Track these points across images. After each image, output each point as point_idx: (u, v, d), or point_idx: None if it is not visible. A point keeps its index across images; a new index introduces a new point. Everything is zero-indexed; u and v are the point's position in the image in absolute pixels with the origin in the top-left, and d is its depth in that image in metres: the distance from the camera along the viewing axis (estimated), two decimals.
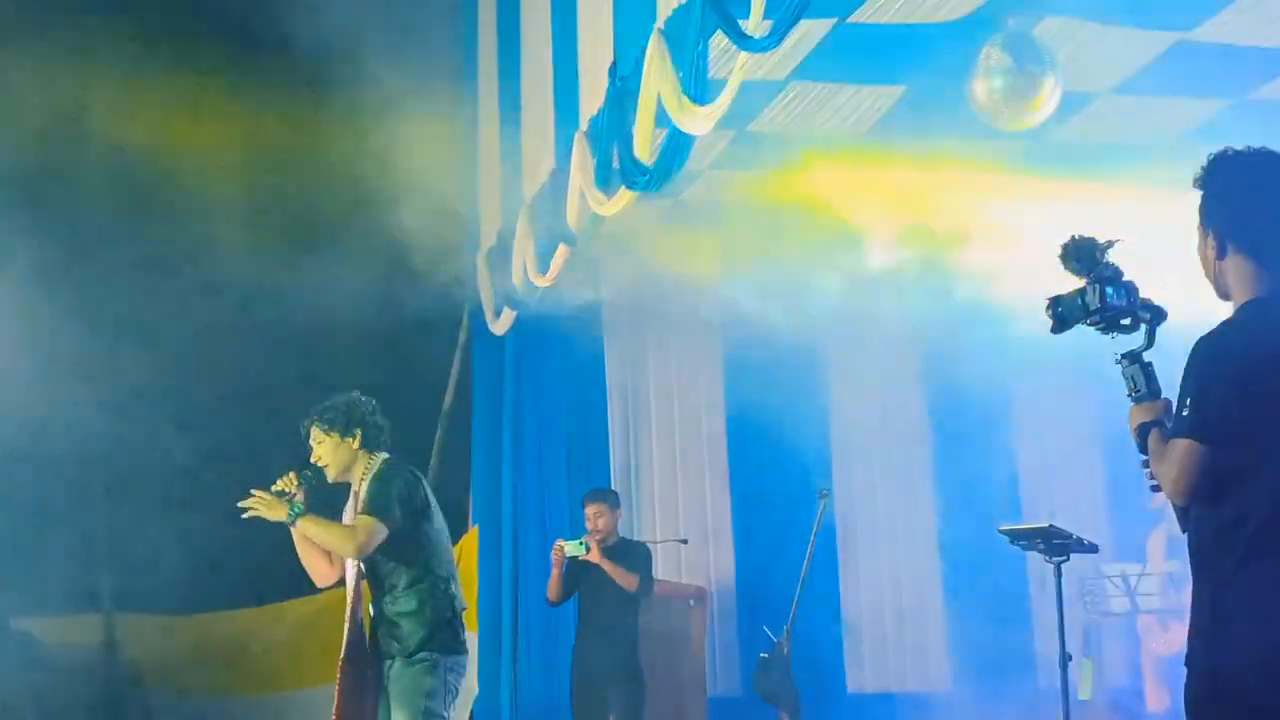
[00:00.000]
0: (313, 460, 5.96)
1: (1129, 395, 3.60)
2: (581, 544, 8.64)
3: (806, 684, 8.40)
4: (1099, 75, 7.59)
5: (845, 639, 10.80)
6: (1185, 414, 3.36)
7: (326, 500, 6.14)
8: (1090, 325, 3.64)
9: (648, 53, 6.73)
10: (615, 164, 7.31)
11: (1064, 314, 3.68)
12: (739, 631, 10.49)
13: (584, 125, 7.88)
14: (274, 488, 5.82)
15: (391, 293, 9.81)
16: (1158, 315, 3.62)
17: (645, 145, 6.93)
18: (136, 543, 10.21)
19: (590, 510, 8.87)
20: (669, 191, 8.32)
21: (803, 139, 8.47)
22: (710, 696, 9.88)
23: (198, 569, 10.33)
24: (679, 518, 10.65)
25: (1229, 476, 3.32)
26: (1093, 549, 6.16)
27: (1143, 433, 3.53)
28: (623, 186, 7.31)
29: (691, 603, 9.86)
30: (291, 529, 5.92)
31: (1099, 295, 3.57)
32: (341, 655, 5.75)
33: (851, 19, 6.78)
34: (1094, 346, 3.86)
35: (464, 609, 6.11)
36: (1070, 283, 3.64)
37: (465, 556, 9.81)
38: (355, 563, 5.84)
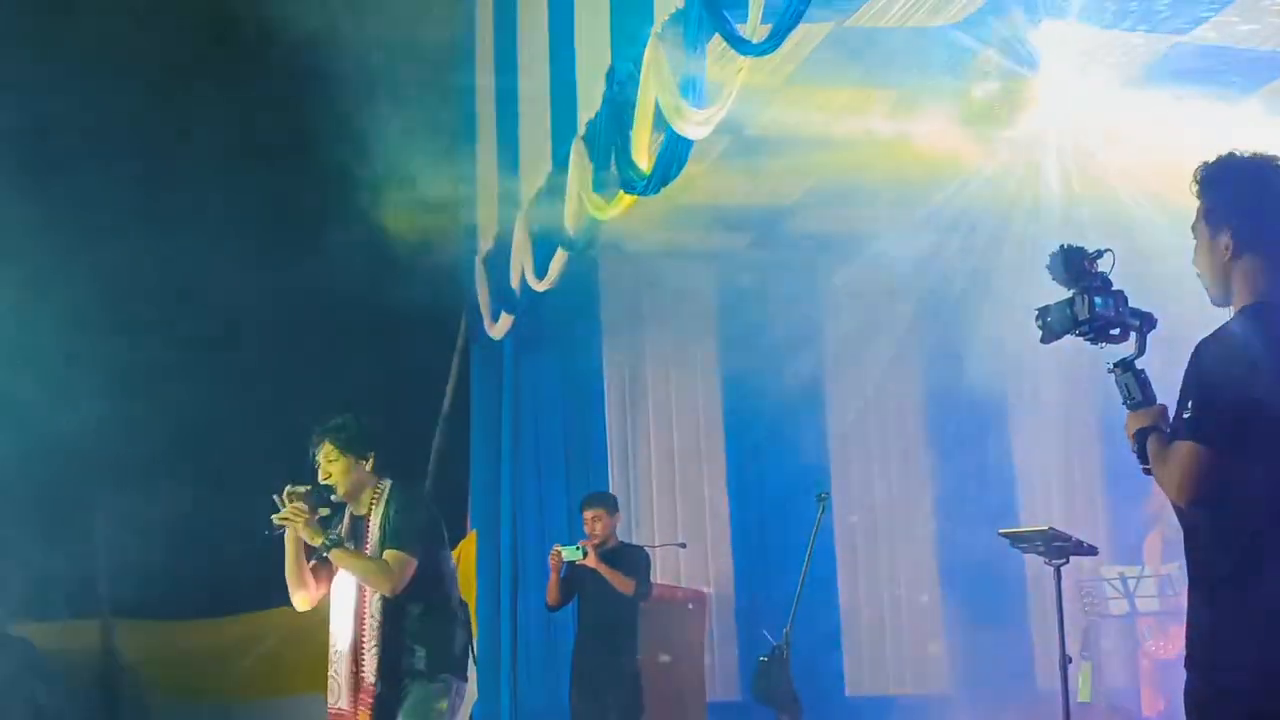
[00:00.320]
0: (321, 479, 5.87)
1: (1124, 403, 3.60)
2: (579, 549, 8.64)
3: (805, 688, 8.38)
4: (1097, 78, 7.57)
5: (844, 643, 10.81)
6: (1188, 416, 3.36)
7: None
8: (1079, 335, 3.64)
9: (645, 57, 6.73)
10: (613, 168, 7.31)
11: (1053, 324, 3.68)
12: (738, 635, 10.50)
13: (581, 130, 7.89)
14: (277, 518, 5.74)
15: (390, 297, 9.80)
16: (1147, 323, 3.61)
17: (643, 149, 6.94)
18: (134, 549, 10.21)
19: (588, 515, 8.87)
20: (667, 195, 8.30)
21: (798, 142, 8.45)
22: (709, 700, 9.89)
23: (196, 575, 10.33)
24: (677, 522, 10.66)
25: (1231, 479, 3.32)
26: (1092, 551, 6.16)
27: (1140, 438, 3.52)
28: (621, 191, 7.31)
29: (690, 607, 9.86)
30: (293, 547, 5.88)
31: (1088, 305, 3.57)
32: (374, 679, 5.70)
33: (848, 23, 6.76)
34: (1091, 349, 3.86)
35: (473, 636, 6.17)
36: (1059, 292, 3.64)
37: (464, 560, 9.82)
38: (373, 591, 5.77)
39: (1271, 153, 3.55)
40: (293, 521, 5.73)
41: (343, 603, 5.85)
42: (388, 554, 5.72)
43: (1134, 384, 3.58)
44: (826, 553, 10.19)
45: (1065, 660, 5.92)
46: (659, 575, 9.53)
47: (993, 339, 11.05)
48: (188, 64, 10.21)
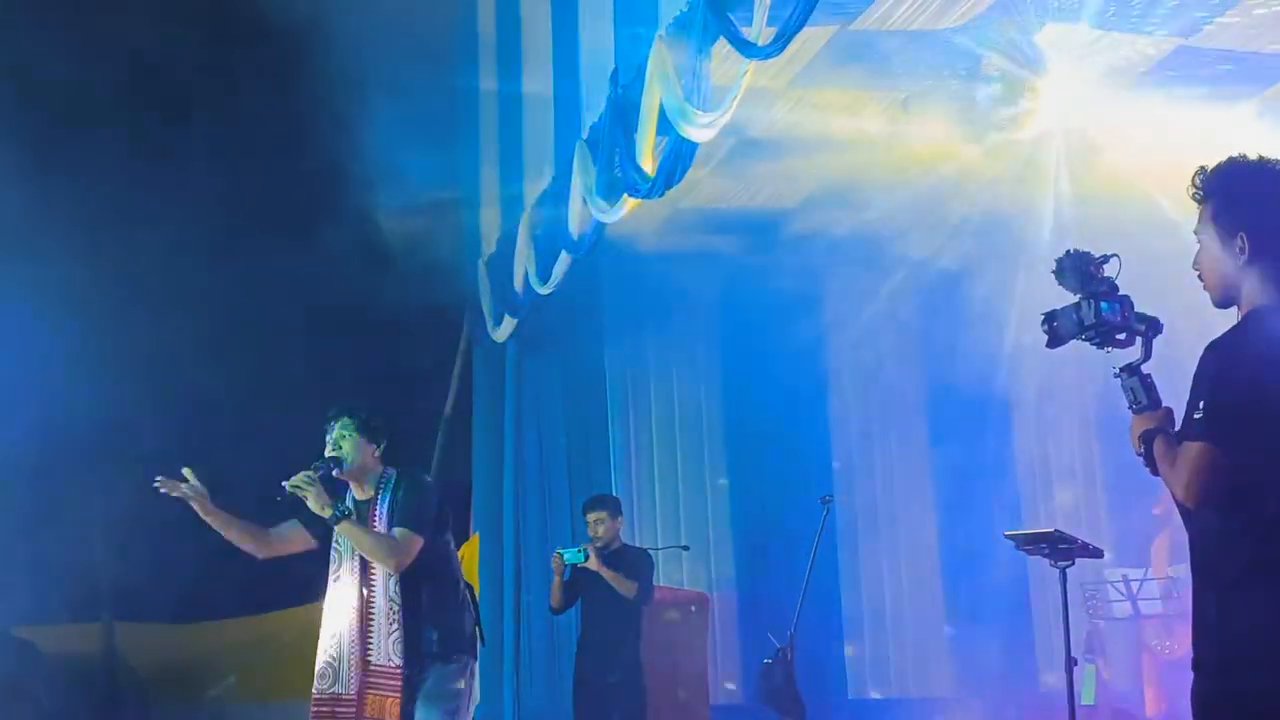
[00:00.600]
0: (329, 452, 5.87)
1: (1130, 407, 3.59)
2: (580, 551, 8.63)
3: (807, 690, 8.38)
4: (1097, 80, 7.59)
5: (846, 645, 10.81)
6: (1198, 417, 3.35)
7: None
8: (1085, 340, 3.63)
9: (650, 60, 6.74)
10: (617, 171, 7.32)
11: (1059, 329, 3.67)
12: (740, 638, 10.50)
13: (585, 133, 7.89)
14: (289, 484, 5.75)
15: (392, 299, 9.81)
16: (1153, 328, 3.61)
17: (647, 153, 6.94)
18: (136, 552, 10.21)
19: (591, 517, 8.86)
20: (670, 198, 8.31)
21: (801, 145, 8.46)
22: (712, 704, 9.88)
23: (198, 578, 10.32)
24: (680, 525, 10.66)
25: (1241, 480, 3.32)
26: (1098, 554, 6.15)
27: (1146, 440, 3.52)
28: (625, 194, 7.31)
29: (693, 609, 9.84)
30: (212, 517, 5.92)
31: (1094, 310, 3.56)
32: (399, 661, 5.71)
33: (852, 26, 6.77)
34: (1094, 352, 3.86)
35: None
36: (1066, 297, 3.64)
37: (467, 564, 9.80)
38: (388, 574, 5.78)
39: (1276, 156, 3.55)
40: (304, 490, 5.70)
41: (344, 588, 5.85)
42: (396, 531, 5.75)
43: (1140, 389, 3.57)
44: (829, 555, 10.18)
45: (1071, 662, 5.90)
46: (661, 578, 9.53)
47: (996, 342, 11.07)
48: (187, 76, 10.21)
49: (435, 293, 10.12)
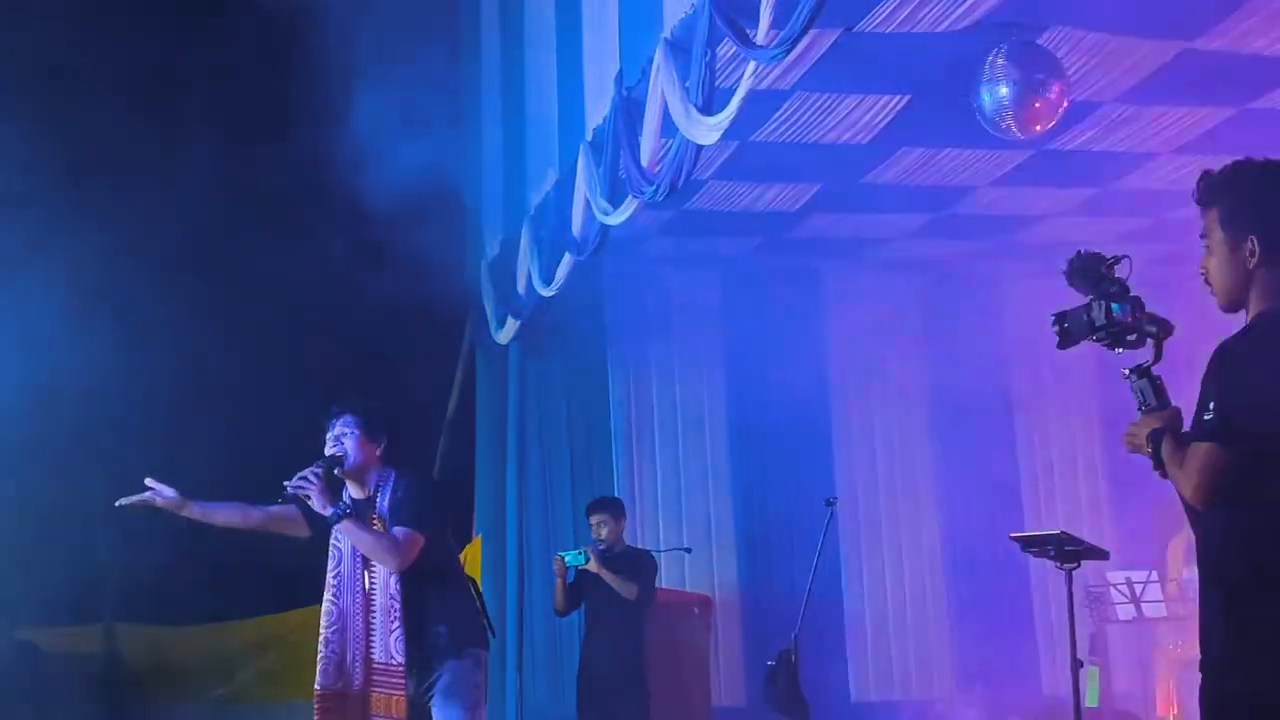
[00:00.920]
0: (331, 450, 5.86)
1: (1139, 408, 3.60)
2: (582, 553, 8.64)
3: (809, 693, 8.39)
4: (1103, 84, 7.58)
5: (848, 648, 10.81)
6: (1207, 418, 3.36)
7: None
8: (1096, 341, 3.64)
9: (654, 62, 6.74)
10: (621, 174, 7.32)
11: (1070, 330, 3.67)
12: (743, 641, 10.50)
13: (589, 135, 7.89)
14: (291, 484, 5.73)
15: (394, 302, 9.80)
16: (1164, 330, 3.61)
17: (652, 155, 6.94)
18: (138, 553, 10.20)
19: (594, 520, 8.88)
20: (673, 201, 8.32)
21: (805, 147, 8.47)
22: (715, 706, 9.88)
23: (199, 580, 10.32)
24: (682, 527, 10.66)
25: (1250, 480, 3.33)
26: (1103, 555, 6.15)
27: (1154, 440, 3.53)
28: (629, 196, 7.31)
29: (696, 612, 9.85)
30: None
31: (1105, 311, 3.57)
32: (401, 659, 5.70)
33: (857, 28, 6.76)
34: (1098, 354, 3.86)
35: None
36: (1076, 298, 3.64)
37: (469, 566, 9.80)
38: (389, 572, 5.77)
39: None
40: (306, 489, 5.69)
41: (345, 586, 5.84)
42: (397, 530, 5.73)
43: (1150, 390, 3.58)
44: (831, 558, 10.19)
45: (1077, 664, 5.90)
46: (664, 580, 9.53)
47: (999, 343, 11.11)
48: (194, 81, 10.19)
49: (437, 294, 10.09)
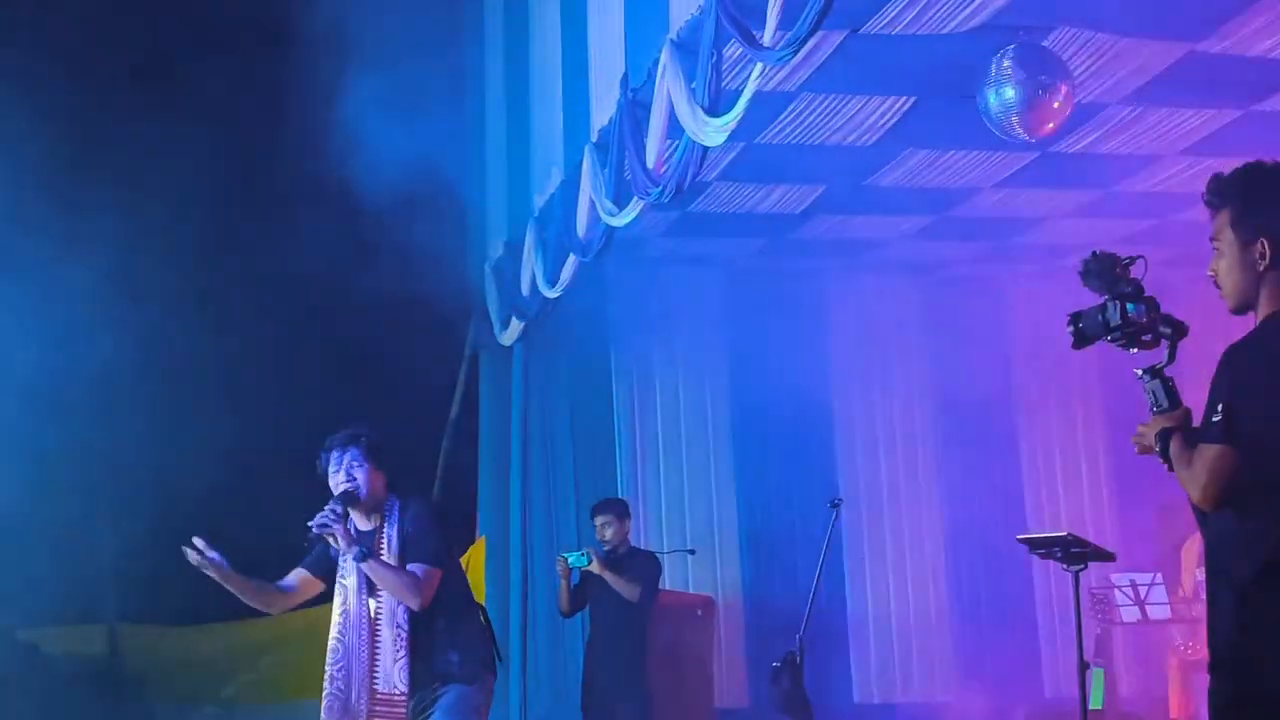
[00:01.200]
0: (342, 484, 5.76)
1: (1151, 409, 3.60)
2: (584, 555, 8.64)
3: (812, 694, 8.39)
4: (1109, 86, 7.59)
5: (852, 649, 10.81)
6: (1216, 420, 3.36)
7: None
8: (1111, 341, 3.64)
9: (660, 64, 6.73)
10: (627, 175, 7.31)
11: (1085, 330, 3.67)
12: (746, 642, 10.50)
13: (594, 136, 7.89)
14: (316, 522, 5.64)
15: (399, 302, 9.79)
16: (1178, 331, 3.61)
17: (657, 156, 6.94)
18: (140, 554, 10.19)
19: (598, 521, 8.88)
20: (678, 203, 8.32)
21: (810, 149, 8.47)
22: (717, 707, 9.88)
23: (201, 580, 10.29)
24: (686, 528, 10.65)
25: (1257, 482, 3.33)
26: (1110, 557, 6.13)
27: (1163, 440, 3.53)
28: (634, 197, 7.31)
29: (699, 613, 9.85)
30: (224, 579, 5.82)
31: (1120, 312, 3.57)
32: (404, 689, 5.66)
33: (863, 29, 6.76)
34: (1101, 356, 3.86)
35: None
36: (1090, 298, 3.64)
37: (473, 567, 9.81)
38: (396, 603, 5.72)
39: None
40: (333, 526, 5.64)
41: (351, 620, 5.76)
42: (415, 567, 5.67)
43: (1162, 391, 3.58)
44: (834, 559, 10.21)
45: (1083, 666, 5.89)
46: (667, 582, 9.53)
47: (1003, 347, 11.11)
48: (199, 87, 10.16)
49: (441, 295, 10.10)
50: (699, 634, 9.78)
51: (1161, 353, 3.63)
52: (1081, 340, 3.69)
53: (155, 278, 10.20)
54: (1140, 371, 3.61)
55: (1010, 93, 6.78)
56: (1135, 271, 3.60)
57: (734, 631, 10.53)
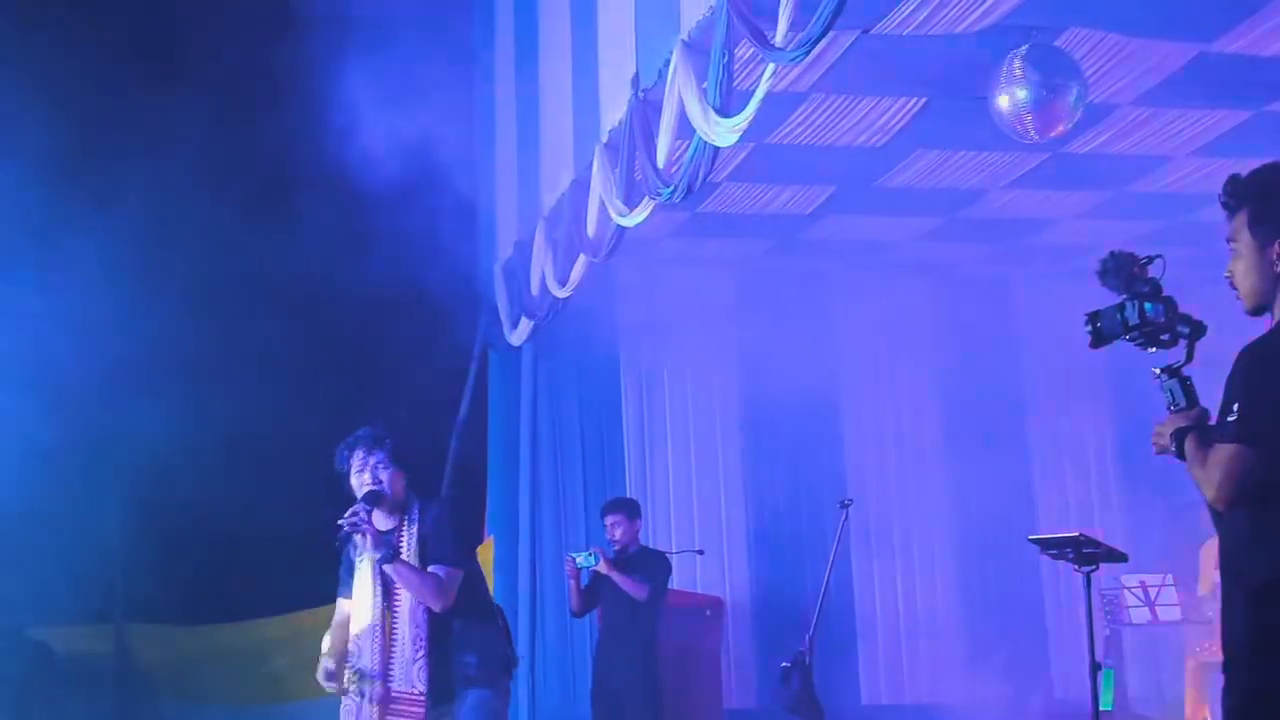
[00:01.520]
0: (368, 485, 5.74)
1: (1168, 408, 3.60)
2: (591, 555, 8.64)
3: (821, 695, 8.39)
4: (1121, 86, 7.58)
5: (860, 650, 10.81)
6: (1232, 419, 3.36)
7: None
8: (1129, 341, 3.63)
9: (671, 64, 6.72)
10: (637, 175, 7.30)
11: (1102, 329, 3.67)
12: (755, 643, 10.50)
13: (604, 137, 7.88)
14: (347, 522, 5.62)
15: (406, 302, 9.79)
16: (1197, 330, 3.61)
17: (668, 157, 6.93)
18: (148, 554, 10.21)
19: (608, 520, 8.88)
20: (687, 203, 8.31)
21: (820, 149, 8.46)
22: (726, 707, 9.88)
23: (209, 580, 10.32)
24: (694, 528, 10.65)
25: (1273, 483, 3.32)
26: (1122, 558, 6.12)
27: (1178, 439, 3.52)
28: (644, 198, 7.30)
29: (708, 614, 9.85)
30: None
31: (1139, 311, 3.56)
32: (423, 689, 5.64)
33: (874, 30, 6.75)
34: (1111, 356, 3.85)
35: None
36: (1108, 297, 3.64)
37: (481, 567, 9.80)
38: (415, 603, 5.72)
39: None
40: (362, 525, 5.62)
41: (367, 618, 5.74)
42: (438, 569, 5.67)
43: (1180, 390, 3.58)
44: (843, 560, 10.19)
45: (1095, 667, 5.88)
46: (676, 582, 9.52)
47: (1012, 347, 11.10)
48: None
49: (450, 295, 10.10)
50: (708, 634, 9.79)
51: (1179, 352, 3.62)
52: (1099, 340, 3.68)
53: (162, 276, 10.20)
54: (1158, 371, 3.60)
55: (1023, 93, 6.78)
56: (1153, 271, 3.59)
57: (743, 632, 10.54)
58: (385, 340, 10.55)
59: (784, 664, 7.91)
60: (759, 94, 6.16)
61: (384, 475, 5.77)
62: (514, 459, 10.59)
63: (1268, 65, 7.32)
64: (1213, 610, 8.62)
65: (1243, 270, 3.55)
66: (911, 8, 6.57)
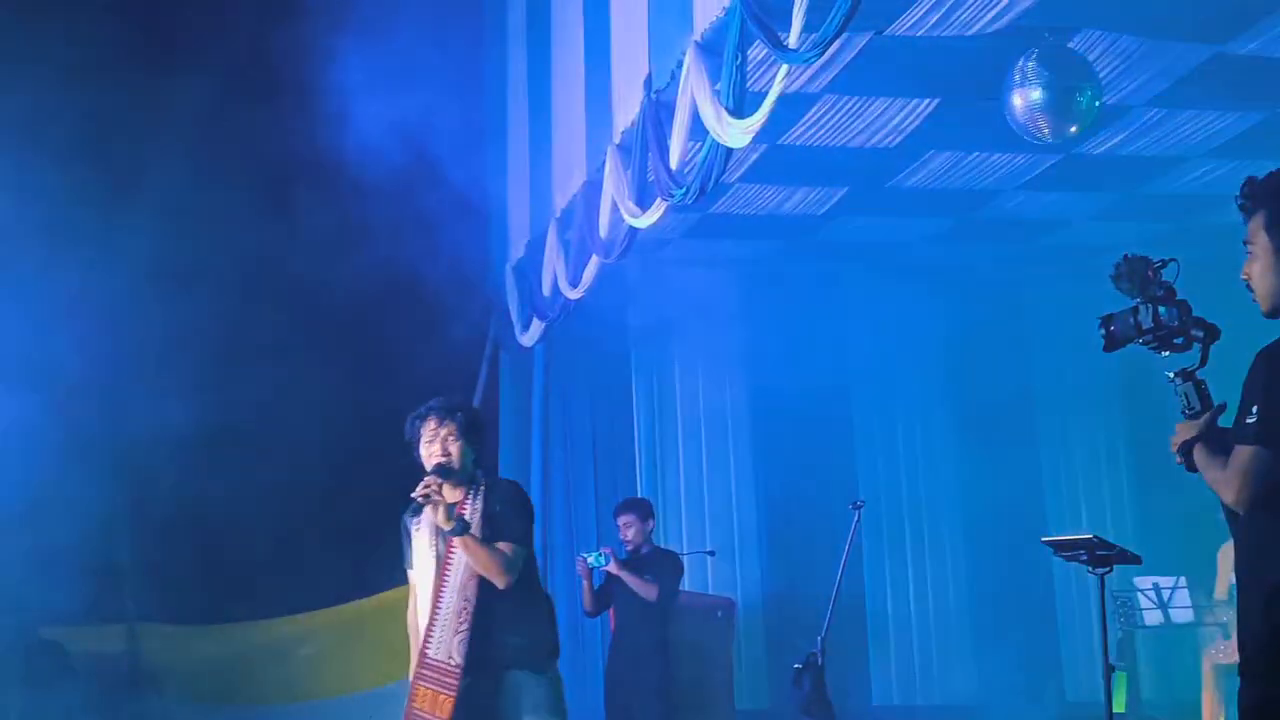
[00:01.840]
0: (438, 458, 5.70)
1: (1182, 411, 3.59)
2: (602, 555, 8.64)
3: (832, 696, 8.39)
4: (1135, 88, 7.57)
5: (872, 650, 10.80)
6: (1250, 422, 3.35)
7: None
8: (1143, 344, 3.63)
9: (685, 65, 6.72)
10: (650, 176, 7.30)
11: (1116, 333, 3.67)
12: (766, 644, 10.50)
13: (617, 138, 7.87)
14: (419, 493, 5.60)
15: (418, 303, 9.80)
16: (1211, 333, 3.60)
17: (681, 158, 6.93)
18: (160, 553, 10.22)
19: (621, 521, 8.88)
20: (700, 205, 8.31)
21: (833, 151, 8.46)
22: (738, 708, 9.87)
23: (221, 580, 10.33)
24: (705, 529, 10.65)
25: None
26: (1136, 560, 6.10)
27: (1184, 451, 3.52)
28: (657, 199, 7.29)
29: (719, 614, 9.84)
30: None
31: (1152, 315, 3.56)
32: (460, 662, 5.62)
33: (888, 31, 6.74)
34: (1122, 357, 3.85)
35: None
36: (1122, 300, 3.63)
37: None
38: (470, 574, 5.71)
39: None
40: (436, 499, 5.58)
41: (421, 585, 5.77)
42: (504, 546, 5.64)
43: (1194, 394, 3.58)
44: (854, 560, 10.18)
45: (1109, 669, 5.86)
46: (687, 583, 9.52)
47: (1024, 349, 11.08)
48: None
49: (462, 295, 10.10)
50: (719, 635, 9.77)
51: (1195, 355, 3.62)
52: (1113, 343, 3.68)
53: (170, 275, 10.21)
54: (1172, 375, 3.60)
55: (1037, 95, 6.77)
56: (1167, 274, 3.59)
57: (754, 633, 10.54)
58: (397, 341, 10.54)
59: (796, 665, 7.89)
60: (772, 95, 6.15)
61: (453, 448, 5.74)
62: (525, 460, 10.58)
63: None
64: (1229, 613, 8.60)
65: (1259, 272, 3.54)
66: (925, 9, 6.57)
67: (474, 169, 9.86)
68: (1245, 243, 3.57)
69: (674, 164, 6.97)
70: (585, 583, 8.75)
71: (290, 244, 9.86)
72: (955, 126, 8.10)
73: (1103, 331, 3.68)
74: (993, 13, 6.62)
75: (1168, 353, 3.60)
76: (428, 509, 5.65)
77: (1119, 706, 8.46)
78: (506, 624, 5.70)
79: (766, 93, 6.20)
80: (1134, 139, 8.30)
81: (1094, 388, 11.18)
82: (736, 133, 6.34)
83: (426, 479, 5.59)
